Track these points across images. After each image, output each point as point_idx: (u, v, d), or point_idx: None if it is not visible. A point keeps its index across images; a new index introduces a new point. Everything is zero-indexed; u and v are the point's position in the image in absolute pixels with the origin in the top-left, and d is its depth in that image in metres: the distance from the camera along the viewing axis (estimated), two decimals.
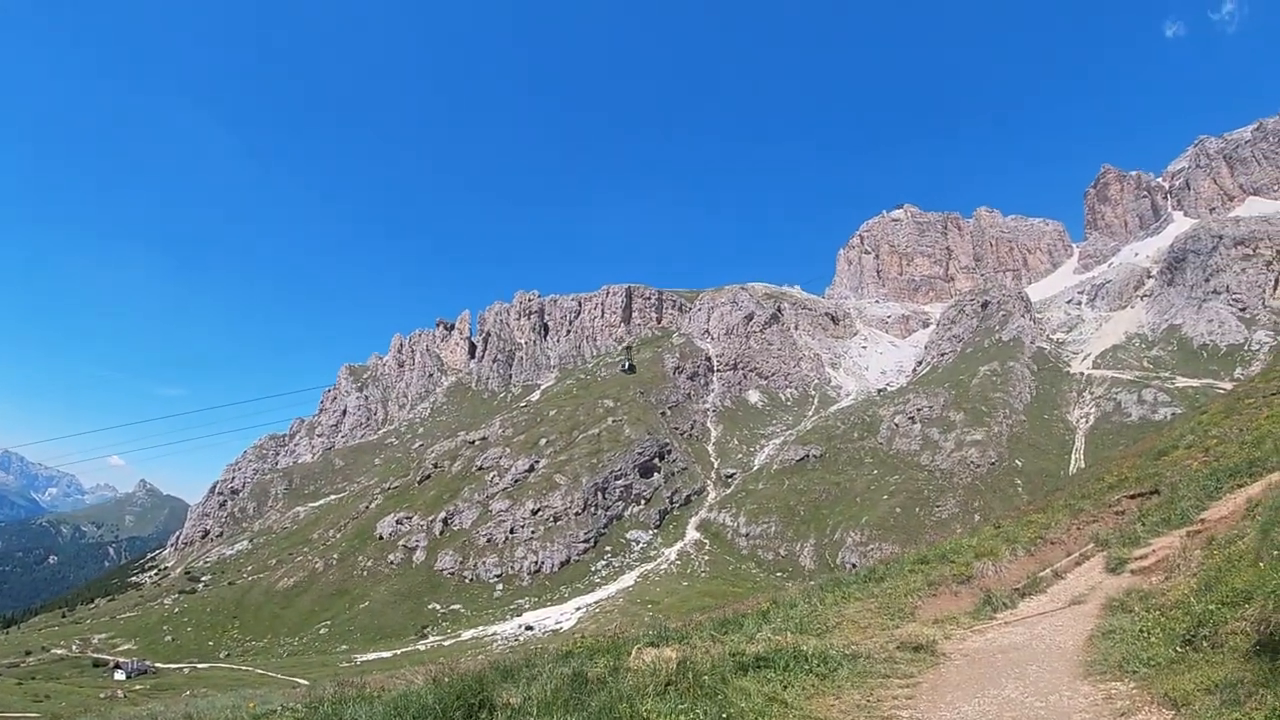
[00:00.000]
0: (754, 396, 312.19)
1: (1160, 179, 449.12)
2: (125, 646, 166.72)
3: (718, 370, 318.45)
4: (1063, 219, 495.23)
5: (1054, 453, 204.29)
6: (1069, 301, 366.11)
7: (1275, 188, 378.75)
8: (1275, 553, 13.66)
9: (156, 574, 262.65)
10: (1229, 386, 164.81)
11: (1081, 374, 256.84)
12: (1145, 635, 15.42)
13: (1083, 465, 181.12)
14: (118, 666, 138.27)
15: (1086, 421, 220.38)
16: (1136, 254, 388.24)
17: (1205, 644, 13.37)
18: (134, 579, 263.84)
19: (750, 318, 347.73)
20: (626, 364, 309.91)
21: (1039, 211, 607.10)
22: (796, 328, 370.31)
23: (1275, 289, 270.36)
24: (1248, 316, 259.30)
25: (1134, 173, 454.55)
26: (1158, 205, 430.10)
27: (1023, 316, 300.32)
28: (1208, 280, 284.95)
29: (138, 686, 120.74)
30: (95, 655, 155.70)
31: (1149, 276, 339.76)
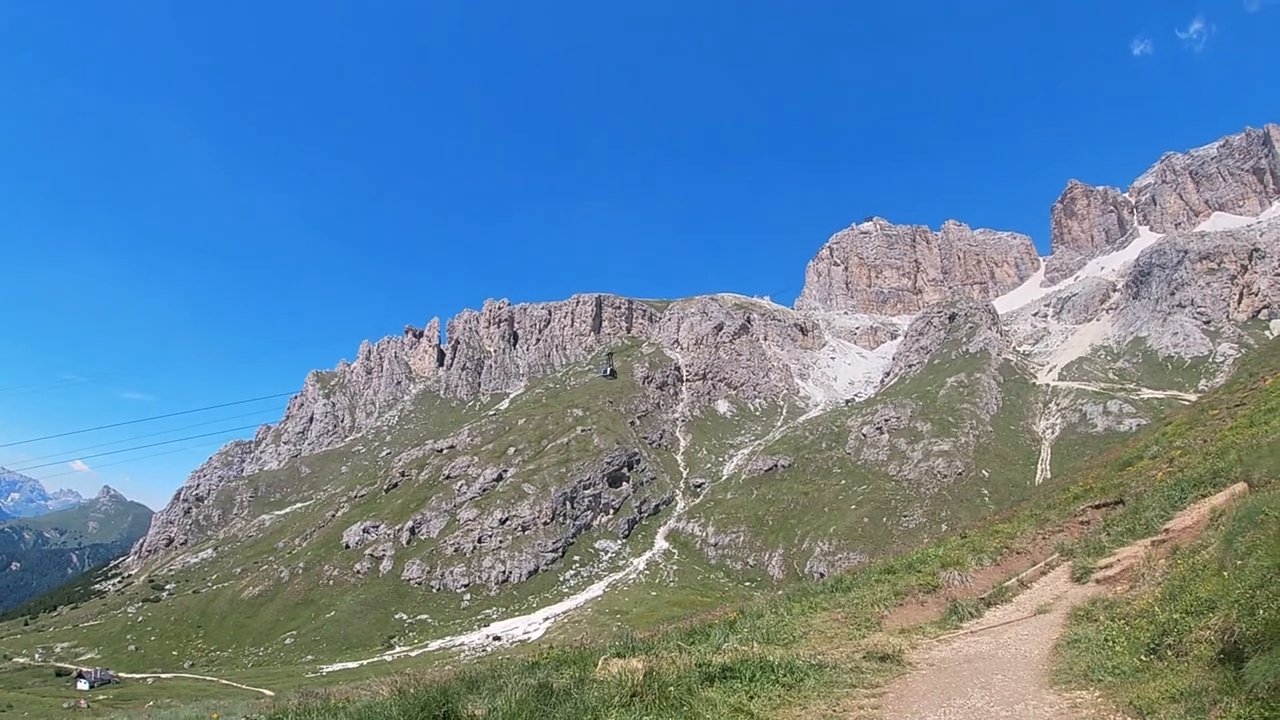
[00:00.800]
0: (723, 406, 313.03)
1: (1126, 194, 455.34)
2: (88, 655, 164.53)
3: (687, 380, 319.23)
4: (1030, 233, 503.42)
5: (1020, 463, 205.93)
6: (1035, 314, 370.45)
7: (1241, 203, 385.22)
8: (1239, 562, 13.72)
9: (120, 582, 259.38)
10: (1193, 398, 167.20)
11: (1047, 385, 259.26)
12: (1110, 644, 15.46)
13: (1048, 475, 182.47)
14: (81, 676, 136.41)
15: (1052, 432, 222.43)
16: (1102, 268, 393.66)
17: (1170, 652, 13.41)
18: (97, 587, 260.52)
19: (720, 328, 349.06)
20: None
21: (1007, 225, 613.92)
22: (765, 338, 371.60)
23: (1239, 302, 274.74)
24: (1212, 329, 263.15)
25: (1100, 188, 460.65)
26: (1124, 220, 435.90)
27: (989, 329, 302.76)
28: (1173, 294, 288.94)
29: (101, 696, 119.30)
30: (58, 664, 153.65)
31: (1114, 290, 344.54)
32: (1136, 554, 22.23)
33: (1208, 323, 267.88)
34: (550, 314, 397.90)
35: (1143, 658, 13.98)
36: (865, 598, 26.37)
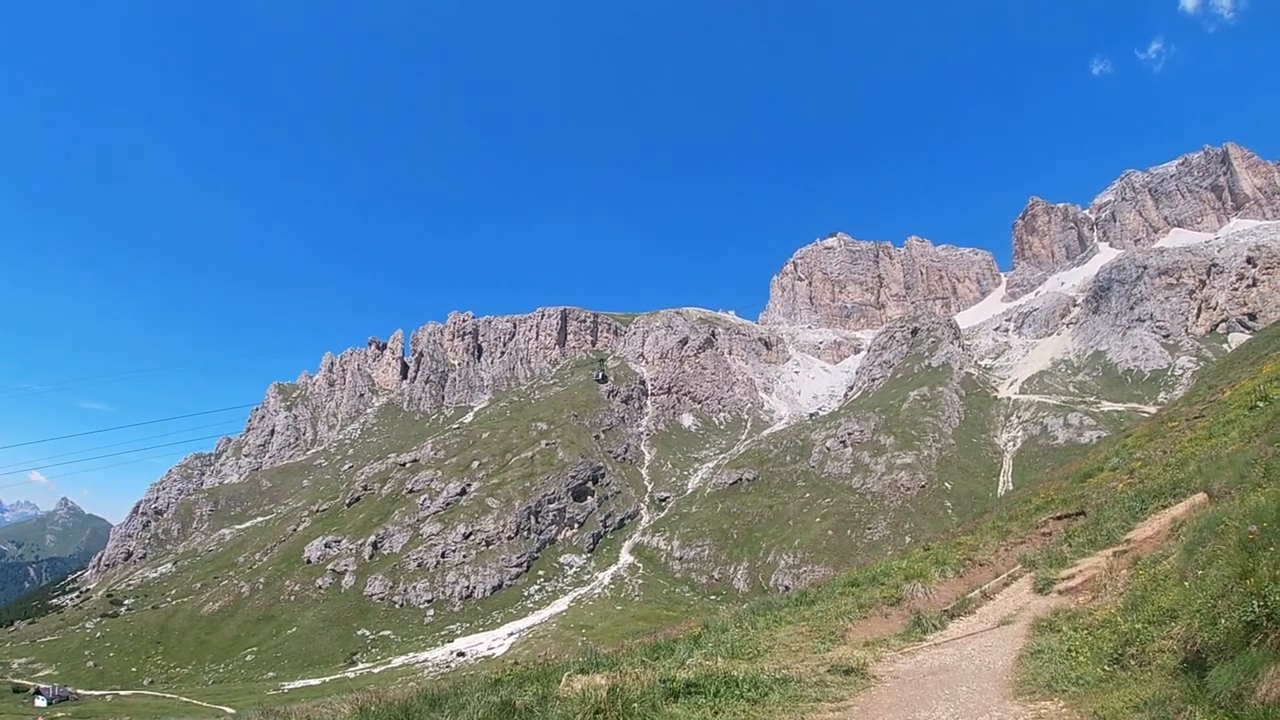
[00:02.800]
0: (688, 420, 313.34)
1: (1087, 211, 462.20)
2: (46, 672, 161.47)
3: (652, 394, 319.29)
4: (991, 249, 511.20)
5: (982, 475, 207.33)
6: (997, 329, 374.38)
7: (1199, 220, 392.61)
8: (1200, 572, 13.79)
9: (78, 596, 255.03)
10: (1153, 410, 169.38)
11: (1009, 399, 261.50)
12: (1073, 654, 15.53)
13: (1010, 488, 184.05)
14: (38, 693, 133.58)
15: (1014, 445, 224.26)
16: (1063, 283, 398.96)
17: (1133, 662, 13.46)
18: (55, 601, 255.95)
19: (685, 342, 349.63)
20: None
21: (968, 241, 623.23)
22: (730, 352, 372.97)
23: (1198, 316, 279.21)
24: (1171, 343, 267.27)
25: (1061, 205, 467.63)
26: (1084, 236, 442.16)
27: (952, 343, 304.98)
28: (1132, 308, 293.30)
29: (59, 714, 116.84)
30: (15, 680, 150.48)
31: (1075, 305, 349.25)
32: (1098, 565, 22.36)
33: (1166, 336, 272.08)
34: (515, 327, 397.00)
35: (1106, 668, 14.03)
36: (830, 611, 26.39)
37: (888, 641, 22.55)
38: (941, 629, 23.38)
